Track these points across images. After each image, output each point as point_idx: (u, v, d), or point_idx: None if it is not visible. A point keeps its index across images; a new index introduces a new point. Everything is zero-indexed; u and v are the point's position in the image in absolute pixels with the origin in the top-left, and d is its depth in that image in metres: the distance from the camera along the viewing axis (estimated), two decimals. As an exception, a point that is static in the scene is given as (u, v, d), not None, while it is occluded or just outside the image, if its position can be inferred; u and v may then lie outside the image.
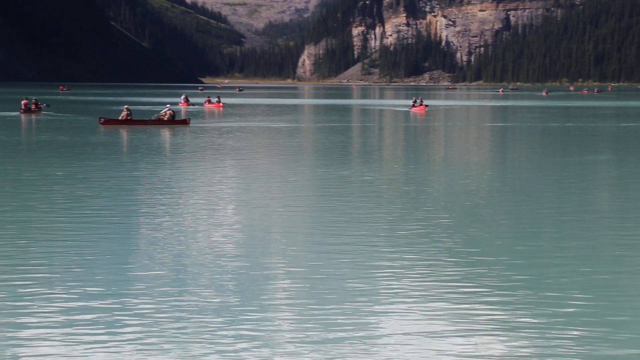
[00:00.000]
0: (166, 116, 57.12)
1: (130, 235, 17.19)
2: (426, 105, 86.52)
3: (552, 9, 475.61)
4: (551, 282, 13.14)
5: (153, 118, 58.23)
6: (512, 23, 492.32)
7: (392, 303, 11.93)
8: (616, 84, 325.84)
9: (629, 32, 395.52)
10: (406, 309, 11.61)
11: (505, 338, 10.31)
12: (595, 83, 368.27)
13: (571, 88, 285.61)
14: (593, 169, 31.10)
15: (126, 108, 57.67)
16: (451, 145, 45.32)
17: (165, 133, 49.45)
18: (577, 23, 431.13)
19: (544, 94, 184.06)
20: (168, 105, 60.71)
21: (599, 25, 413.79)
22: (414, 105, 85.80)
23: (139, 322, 10.92)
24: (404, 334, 10.49)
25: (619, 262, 14.55)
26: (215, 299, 12.16)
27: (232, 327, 10.78)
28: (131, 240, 16.68)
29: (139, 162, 32.57)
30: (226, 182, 26.45)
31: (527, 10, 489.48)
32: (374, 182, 26.76)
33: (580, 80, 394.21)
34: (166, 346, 10.00)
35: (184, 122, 57.45)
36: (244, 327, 10.79)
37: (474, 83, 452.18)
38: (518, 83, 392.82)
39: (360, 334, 10.50)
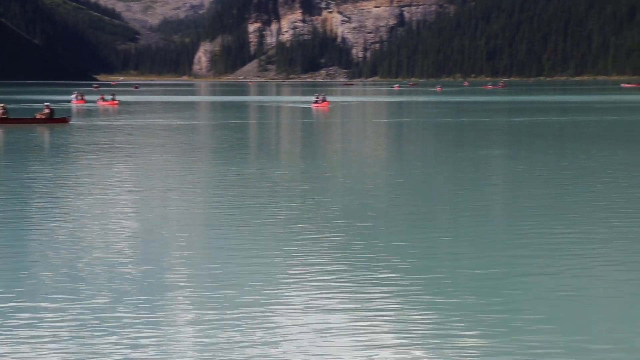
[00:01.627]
0: (44, 114, 55.62)
1: (8, 240, 16.78)
2: (329, 102, 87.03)
3: (445, 5, 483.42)
4: (446, 276, 13.36)
5: (34, 116, 56.53)
6: (407, 19, 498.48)
7: (289, 301, 11.95)
8: (507, 79, 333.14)
9: (519, 28, 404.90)
10: (304, 307, 11.64)
11: (401, 333, 10.43)
12: (488, 78, 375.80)
13: (465, 83, 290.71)
14: (487, 164, 31.73)
15: (1, 107, 55.85)
16: (353, 141, 45.63)
17: (43, 132, 48.29)
18: (469, 19, 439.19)
19: (437, 89, 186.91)
20: (47, 103, 59.28)
21: (491, 21, 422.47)
22: (316, 102, 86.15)
23: (26, 323, 10.68)
24: (301, 331, 10.53)
25: (511, 256, 14.88)
26: (107, 299, 11.97)
27: (123, 325, 10.63)
28: (10, 245, 16.29)
29: (12, 162, 31.83)
30: (115, 181, 26.02)
31: (421, 7, 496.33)
32: (275, 179, 26.73)
33: (474, 75, 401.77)
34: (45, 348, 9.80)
35: (63, 121, 56.08)
36: (139, 327, 10.65)
37: (370, 79, 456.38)
38: (413, 79, 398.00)
39: (259, 333, 10.49)
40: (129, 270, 13.93)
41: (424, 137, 47.87)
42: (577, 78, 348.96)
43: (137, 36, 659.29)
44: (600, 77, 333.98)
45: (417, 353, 9.74)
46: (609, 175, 27.04)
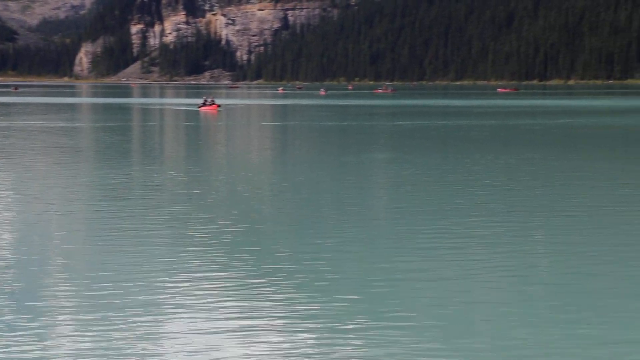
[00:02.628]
0: None
1: None
2: (218, 105, 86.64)
3: (329, 9, 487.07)
4: (329, 276, 13.50)
5: None
6: (291, 22, 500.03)
7: (172, 303, 11.89)
8: (390, 83, 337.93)
9: (401, 33, 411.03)
10: (187, 309, 11.61)
11: (288, 333, 10.51)
12: (371, 82, 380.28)
13: (349, 87, 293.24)
14: (372, 167, 32.14)
15: None
16: (241, 145, 45.55)
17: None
18: (352, 23, 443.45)
19: (322, 93, 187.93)
20: None
21: (374, 25, 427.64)
22: (204, 105, 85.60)
23: None
24: (184, 333, 10.50)
25: (393, 255, 15.14)
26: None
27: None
28: None
29: None
30: None
31: (305, 10, 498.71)
32: (161, 183, 26.45)
33: (357, 79, 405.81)
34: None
35: None
36: (19, 331, 10.43)
37: (255, 82, 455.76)
38: (298, 82, 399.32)
39: (140, 333, 10.41)
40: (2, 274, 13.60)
41: (310, 141, 48.15)
42: (458, 82, 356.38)
43: (15, 36, 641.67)
44: (480, 82, 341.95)
45: (303, 346, 9.84)
46: (492, 179, 27.77)
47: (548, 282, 13.51)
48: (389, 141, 47.47)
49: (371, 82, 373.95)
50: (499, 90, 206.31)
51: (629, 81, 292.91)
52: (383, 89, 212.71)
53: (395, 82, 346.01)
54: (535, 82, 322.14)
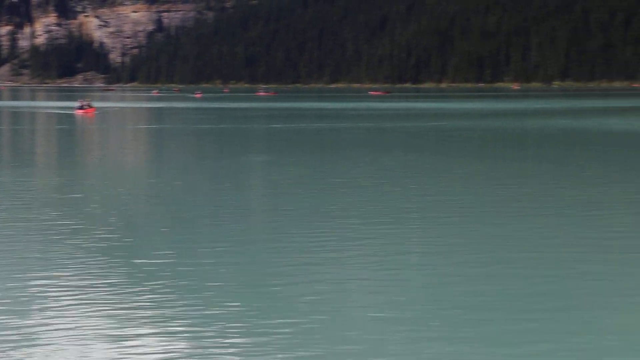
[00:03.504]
0: None
1: None
2: (95, 108, 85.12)
3: (204, 11, 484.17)
4: (203, 278, 13.55)
5: None
6: (165, 25, 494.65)
7: (42, 306, 11.74)
8: (266, 86, 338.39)
9: (276, 36, 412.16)
10: (58, 313, 11.48)
11: (159, 336, 10.52)
12: (247, 85, 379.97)
13: (225, 90, 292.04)
14: (249, 170, 32.21)
15: None
16: (117, 147, 44.88)
17: None
18: (227, 26, 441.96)
19: (197, 95, 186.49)
20: None
21: (248, 28, 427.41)
22: (81, 108, 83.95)
23: None
24: (53, 337, 10.39)
25: (263, 258, 15.28)
26: None
27: None
28: None
29: None
30: None
31: (180, 13, 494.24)
32: (34, 188, 25.87)
33: (233, 82, 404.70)
34: None
35: None
36: None
37: (129, 84, 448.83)
38: (172, 85, 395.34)
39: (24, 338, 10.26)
40: None
41: (187, 144, 47.86)
42: (333, 85, 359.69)
43: None
44: (355, 85, 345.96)
45: (175, 347, 9.88)
46: (371, 180, 28.24)
47: (421, 280, 13.88)
48: (266, 144, 47.62)
49: (247, 85, 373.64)
50: (370, 93, 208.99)
51: (499, 84, 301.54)
52: (264, 92, 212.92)
53: (270, 85, 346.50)
54: (408, 85, 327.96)
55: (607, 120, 69.37)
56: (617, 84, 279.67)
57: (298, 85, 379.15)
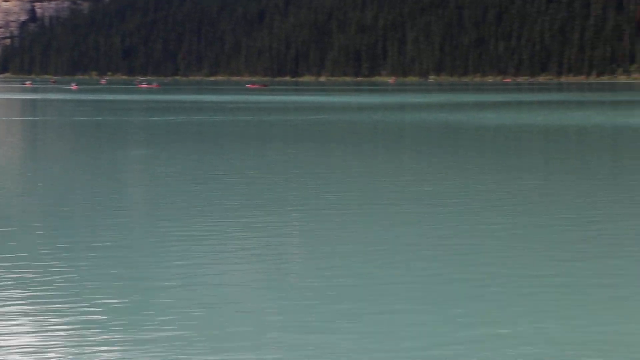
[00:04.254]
0: None
1: None
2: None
3: (79, 2, 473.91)
4: (80, 277, 13.51)
5: None
6: (39, 15, 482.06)
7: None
8: (144, 78, 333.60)
9: (154, 28, 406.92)
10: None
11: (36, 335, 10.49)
12: (124, 77, 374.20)
13: (102, 81, 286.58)
14: (129, 164, 31.93)
15: None
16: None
17: None
18: (104, 17, 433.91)
19: (73, 87, 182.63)
20: None
21: (126, 19, 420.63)
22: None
23: None
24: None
25: (140, 256, 15.31)
26: None
27: None
28: None
29: None
30: None
31: (54, 3, 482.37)
32: None
33: (110, 73, 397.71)
34: None
35: None
36: None
37: (1, 75, 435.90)
38: (48, 76, 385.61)
39: None
40: None
41: (63, 137, 46.98)
42: (212, 78, 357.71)
43: None
44: (234, 78, 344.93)
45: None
46: (252, 173, 28.42)
47: (299, 271, 14.16)
48: (146, 137, 47.17)
49: (125, 77, 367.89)
50: (248, 86, 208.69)
51: (376, 78, 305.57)
52: (147, 84, 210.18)
53: (149, 77, 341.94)
54: (288, 78, 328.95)
55: (480, 114, 71.35)
56: (490, 79, 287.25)
57: (177, 77, 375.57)
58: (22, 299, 12.21)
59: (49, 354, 9.81)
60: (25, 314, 11.45)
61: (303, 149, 38.12)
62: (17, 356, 9.76)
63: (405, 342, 10.25)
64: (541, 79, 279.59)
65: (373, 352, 9.91)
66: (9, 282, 13.15)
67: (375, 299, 12.23)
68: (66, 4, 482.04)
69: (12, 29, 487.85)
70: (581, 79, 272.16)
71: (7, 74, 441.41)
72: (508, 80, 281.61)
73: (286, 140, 45.57)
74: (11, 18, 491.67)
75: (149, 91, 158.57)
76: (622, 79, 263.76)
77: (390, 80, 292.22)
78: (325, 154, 36.05)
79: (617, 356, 9.81)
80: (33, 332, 10.63)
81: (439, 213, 19.77)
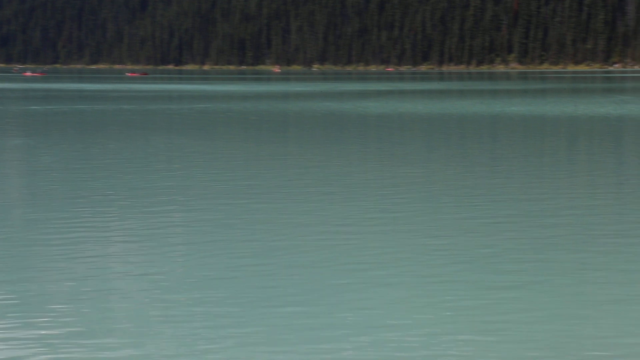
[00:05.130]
0: None
1: None
2: None
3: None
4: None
5: None
6: None
7: None
8: (23, 66, 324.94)
9: (32, 14, 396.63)
10: None
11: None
12: (2, 65, 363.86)
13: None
14: (2, 153, 31.23)
15: None
16: None
17: None
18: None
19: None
20: None
21: (3, 6, 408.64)
22: None
23: None
24: None
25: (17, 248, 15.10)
26: None
27: None
28: None
29: None
30: None
31: None
32: None
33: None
34: None
35: None
36: None
37: None
38: None
39: None
40: None
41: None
42: (94, 66, 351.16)
43: None
44: (116, 66, 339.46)
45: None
46: (129, 162, 28.15)
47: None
48: (25, 126, 46.10)
49: (2, 65, 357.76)
50: (128, 74, 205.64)
51: (260, 67, 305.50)
52: (31, 72, 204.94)
53: (28, 65, 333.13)
54: (171, 67, 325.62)
55: (364, 103, 72.23)
56: (373, 68, 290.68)
57: (57, 65, 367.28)
58: None
59: None
60: None
61: (188, 138, 37.93)
62: None
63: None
64: (423, 68, 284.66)
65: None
66: None
67: (255, 285, 12.38)
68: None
69: None
70: (461, 68, 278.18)
71: None
72: (391, 69, 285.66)
73: (170, 129, 45.24)
74: None
75: (28, 79, 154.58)
76: (500, 68, 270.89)
77: (275, 69, 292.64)
78: (209, 143, 35.96)
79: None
80: None
81: (322, 200, 20.03)
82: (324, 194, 21.06)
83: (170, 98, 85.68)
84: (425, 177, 24.77)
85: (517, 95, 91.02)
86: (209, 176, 24.61)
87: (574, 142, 38.92)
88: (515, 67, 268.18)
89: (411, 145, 36.65)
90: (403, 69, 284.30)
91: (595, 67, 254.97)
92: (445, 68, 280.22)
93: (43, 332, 10.18)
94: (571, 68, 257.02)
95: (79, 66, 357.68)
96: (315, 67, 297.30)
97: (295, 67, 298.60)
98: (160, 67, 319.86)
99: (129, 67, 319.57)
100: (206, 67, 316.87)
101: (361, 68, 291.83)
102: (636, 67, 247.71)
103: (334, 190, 21.59)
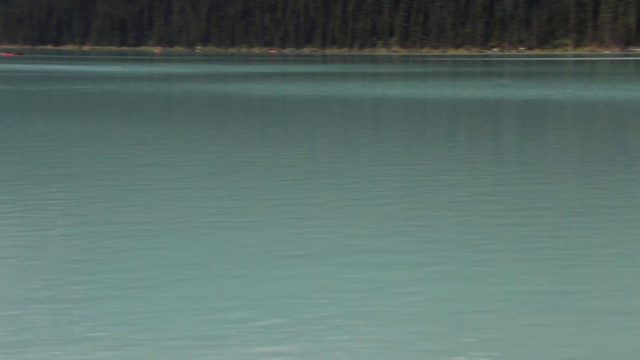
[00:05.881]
0: None
1: None
2: None
3: None
4: None
5: None
6: None
7: None
8: None
9: None
10: None
11: None
12: None
13: None
14: None
15: None
16: None
17: None
18: None
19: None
20: None
21: None
22: None
23: None
24: None
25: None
26: None
27: None
28: None
29: None
30: None
31: None
32: None
33: None
34: None
35: None
36: None
37: None
38: None
39: None
40: None
41: None
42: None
43: None
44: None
45: None
46: (5, 143, 27.50)
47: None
48: None
49: None
50: (3, 54, 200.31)
51: (143, 48, 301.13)
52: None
53: None
54: (50, 47, 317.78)
55: (247, 85, 72.11)
56: (256, 50, 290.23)
57: None
58: None
59: None
60: None
61: (67, 120, 37.19)
62: None
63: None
64: (306, 50, 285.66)
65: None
66: None
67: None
68: None
69: None
70: (344, 51, 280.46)
71: None
72: (274, 51, 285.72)
73: (49, 110, 44.23)
74: None
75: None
76: (382, 51, 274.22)
77: (157, 50, 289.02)
78: (90, 124, 35.36)
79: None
80: None
81: (205, 181, 20.01)
82: (206, 174, 21.03)
83: (49, 79, 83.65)
84: (308, 159, 24.98)
85: (399, 79, 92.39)
86: (89, 159, 24.22)
87: (454, 124, 39.83)
88: (397, 51, 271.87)
89: (294, 128, 36.85)
90: (286, 51, 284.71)
91: (474, 51, 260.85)
92: (328, 51, 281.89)
93: None
94: (451, 52, 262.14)
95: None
96: (199, 49, 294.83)
97: (178, 49, 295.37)
98: (39, 47, 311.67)
99: (5, 46, 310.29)
100: (86, 48, 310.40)
101: (244, 50, 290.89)
102: (513, 51, 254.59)
103: (216, 171, 21.58)
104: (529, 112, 45.08)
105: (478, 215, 16.16)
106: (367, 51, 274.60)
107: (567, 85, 71.82)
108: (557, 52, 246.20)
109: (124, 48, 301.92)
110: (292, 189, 19.06)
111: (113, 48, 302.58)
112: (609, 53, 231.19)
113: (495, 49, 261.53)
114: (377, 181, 20.28)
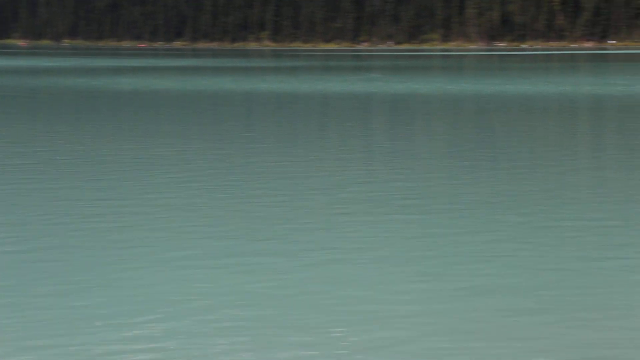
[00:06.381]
0: None
1: None
2: None
3: None
4: None
5: None
6: None
7: None
8: None
9: None
10: None
11: None
12: None
13: None
14: None
15: None
16: None
17: None
18: None
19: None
20: None
21: None
22: None
23: None
24: None
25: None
26: None
27: None
28: None
29: None
30: None
31: None
32: None
33: None
34: None
35: None
36: None
37: None
38: None
39: None
40: None
41: None
42: None
43: None
44: None
45: None
46: None
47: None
48: None
49: None
50: None
51: (7, 41, 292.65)
52: None
53: None
54: None
55: (117, 79, 70.98)
56: (125, 44, 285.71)
57: None
58: None
59: None
60: None
61: None
62: None
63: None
64: (177, 44, 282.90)
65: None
66: None
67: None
68: None
69: None
70: (215, 45, 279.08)
71: None
72: (144, 45, 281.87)
73: None
74: None
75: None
76: (253, 45, 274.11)
77: (22, 43, 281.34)
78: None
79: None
80: None
81: (73, 179, 19.69)
82: (75, 173, 20.67)
83: None
84: (179, 153, 24.81)
85: (270, 73, 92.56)
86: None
87: (325, 118, 40.23)
88: (268, 45, 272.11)
89: (164, 123, 36.51)
90: (156, 45, 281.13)
91: (345, 46, 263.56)
92: (199, 45, 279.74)
93: None
94: (322, 46, 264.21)
95: None
96: (66, 42, 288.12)
97: (45, 42, 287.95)
98: None
99: None
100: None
101: (113, 43, 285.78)
102: (382, 46, 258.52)
103: (85, 170, 21.24)
104: (398, 105, 45.92)
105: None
106: (238, 45, 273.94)
107: (435, 80, 73.47)
108: (425, 46, 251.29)
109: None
110: (163, 184, 18.91)
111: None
112: (475, 47, 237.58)
113: (365, 44, 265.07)
114: (246, 177, 20.33)
